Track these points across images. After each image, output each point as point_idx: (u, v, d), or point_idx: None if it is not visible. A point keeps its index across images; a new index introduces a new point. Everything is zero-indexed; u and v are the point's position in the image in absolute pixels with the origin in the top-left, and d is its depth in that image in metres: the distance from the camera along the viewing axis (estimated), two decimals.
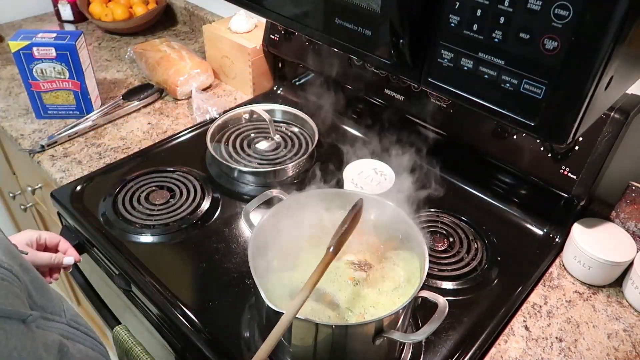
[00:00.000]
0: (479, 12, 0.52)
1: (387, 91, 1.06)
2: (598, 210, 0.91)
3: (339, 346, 0.64)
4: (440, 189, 1.01)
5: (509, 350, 0.76)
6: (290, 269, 0.71)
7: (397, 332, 0.63)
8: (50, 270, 0.83)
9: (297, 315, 0.58)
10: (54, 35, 1.12)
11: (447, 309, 0.61)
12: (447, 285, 0.83)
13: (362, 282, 0.71)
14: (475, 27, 0.53)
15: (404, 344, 0.74)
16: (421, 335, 0.60)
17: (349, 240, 0.65)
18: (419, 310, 0.78)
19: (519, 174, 0.94)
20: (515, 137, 0.90)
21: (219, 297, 0.80)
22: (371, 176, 0.97)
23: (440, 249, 0.89)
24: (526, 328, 0.79)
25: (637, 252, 0.84)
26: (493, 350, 0.76)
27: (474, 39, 0.54)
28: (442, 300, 0.62)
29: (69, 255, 0.83)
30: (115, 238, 0.89)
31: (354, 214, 0.65)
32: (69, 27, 1.70)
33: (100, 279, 0.98)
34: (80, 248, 0.98)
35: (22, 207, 1.50)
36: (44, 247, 0.82)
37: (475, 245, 0.90)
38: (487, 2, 0.51)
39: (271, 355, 0.71)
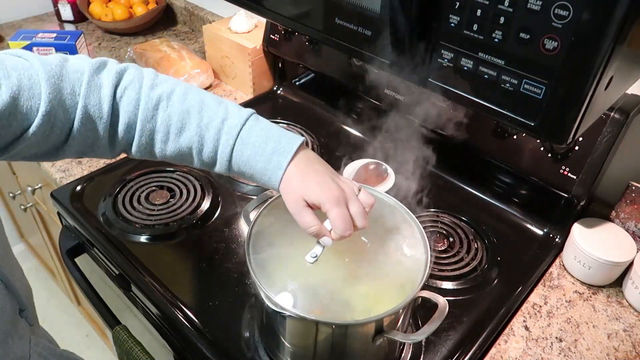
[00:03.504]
0: (479, 12, 0.52)
1: (387, 91, 1.06)
2: (598, 210, 0.91)
3: (339, 346, 0.64)
4: (440, 188, 1.01)
5: (509, 350, 0.76)
6: (290, 267, 0.71)
7: (397, 332, 0.63)
8: None
9: (297, 313, 0.58)
10: (54, 35, 1.13)
11: (447, 309, 0.61)
12: (447, 285, 0.83)
13: (362, 281, 0.71)
14: (475, 27, 0.53)
15: (404, 344, 0.74)
16: (421, 335, 0.60)
17: (350, 239, 0.65)
18: (419, 311, 0.78)
19: (519, 174, 0.94)
20: (515, 137, 0.90)
21: (219, 297, 0.80)
22: (371, 176, 0.97)
23: (440, 249, 0.89)
24: (526, 328, 0.79)
25: (637, 252, 0.84)
26: (493, 350, 0.76)
27: (474, 39, 0.54)
28: (442, 300, 0.62)
29: (326, 237, 0.61)
30: (115, 238, 0.89)
31: None
32: (69, 27, 1.70)
33: (100, 279, 0.98)
34: (80, 248, 0.99)
35: (22, 207, 1.50)
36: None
37: (475, 245, 0.90)
38: (487, 2, 0.51)
39: (271, 355, 0.72)
